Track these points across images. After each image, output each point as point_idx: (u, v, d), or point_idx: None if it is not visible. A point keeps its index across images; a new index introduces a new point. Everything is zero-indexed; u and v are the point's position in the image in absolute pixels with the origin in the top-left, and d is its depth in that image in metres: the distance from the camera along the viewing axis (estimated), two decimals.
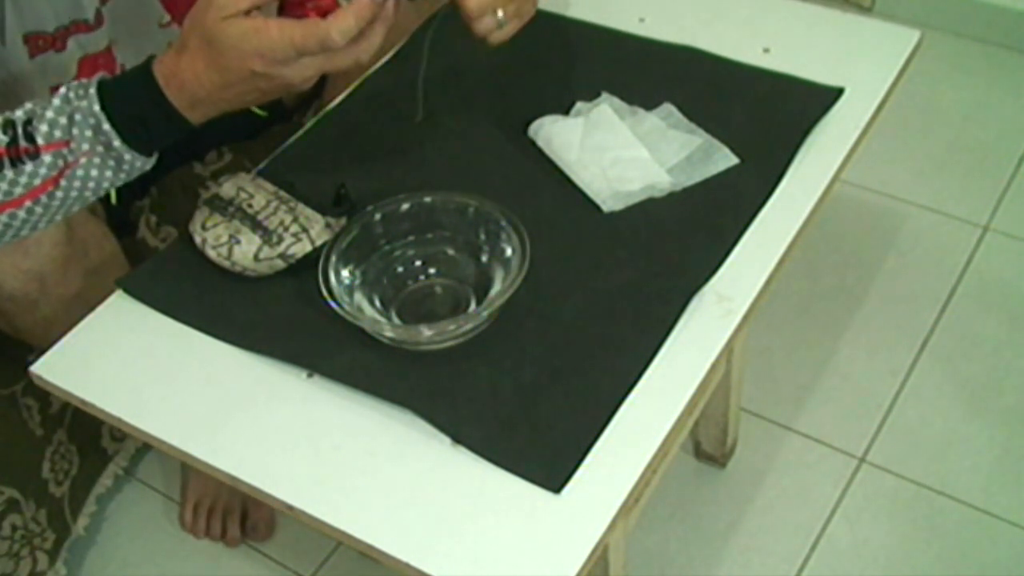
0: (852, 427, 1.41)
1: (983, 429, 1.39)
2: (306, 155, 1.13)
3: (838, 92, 1.13)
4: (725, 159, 1.07)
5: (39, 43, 1.03)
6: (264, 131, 1.37)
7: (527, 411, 0.88)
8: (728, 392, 1.26)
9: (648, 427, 0.87)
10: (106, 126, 0.87)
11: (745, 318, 0.95)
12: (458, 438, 0.87)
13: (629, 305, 0.95)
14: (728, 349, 0.94)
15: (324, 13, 0.85)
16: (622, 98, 1.13)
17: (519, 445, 0.86)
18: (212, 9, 0.84)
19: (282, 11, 0.86)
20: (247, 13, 0.84)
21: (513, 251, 0.94)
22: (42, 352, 0.97)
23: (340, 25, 0.84)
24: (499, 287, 0.94)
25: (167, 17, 1.15)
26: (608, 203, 1.03)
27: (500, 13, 0.95)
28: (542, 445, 0.86)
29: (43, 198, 0.88)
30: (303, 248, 0.97)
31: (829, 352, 1.50)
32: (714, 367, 0.92)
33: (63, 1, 1.02)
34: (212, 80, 0.86)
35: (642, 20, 1.26)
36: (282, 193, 1.01)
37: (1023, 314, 1.52)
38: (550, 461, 0.85)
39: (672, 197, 1.04)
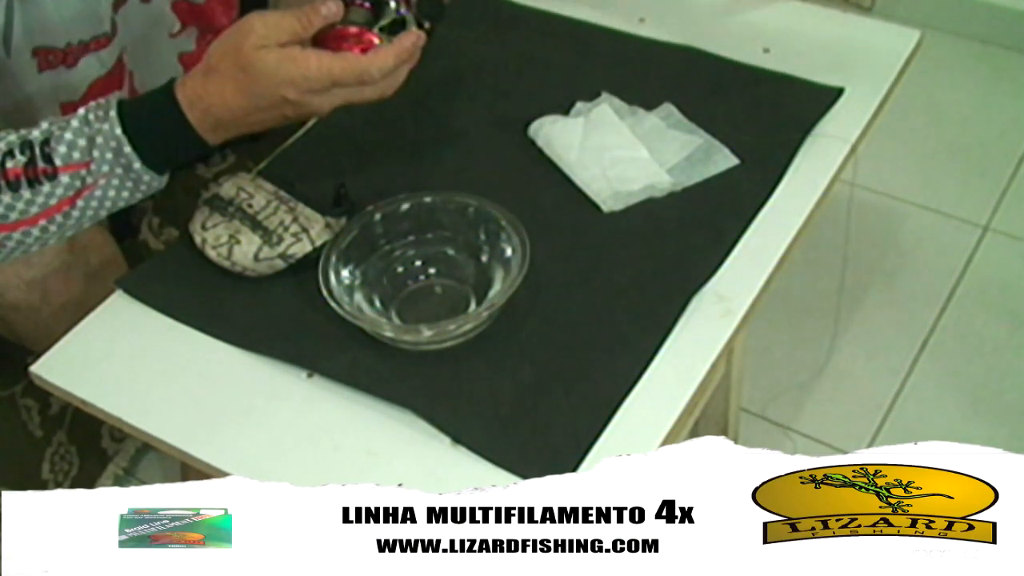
0: (852, 427, 1.41)
1: (983, 429, 1.39)
2: (306, 155, 1.13)
3: (838, 92, 1.13)
4: (725, 159, 1.07)
5: (49, 58, 1.02)
6: (268, 132, 1.36)
7: (527, 411, 0.88)
8: (728, 392, 1.26)
9: (648, 427, 0.87)
10: (127, 149, 0.87)
11: (745, 318, 0.95)
12: (458, 438, 0.87)
13: (629, 305, 0.95)
14: (728, 349, 0.94)
15: (365, 50, 0.89)
16: (622, 98, 1.13)
17: (519, 445, 0.86)
18: (251, 37, 0.86)
19: (315, 43, 0.89)
20: (282, 44, 0.87)
21: (513, 251, 0.94)
22: (41, 353, 0.97)
23: (379, 63, 0.88)
24: (499, 287, 0.94)
25: (177, 26, 1.14)
26: (608, 203, 1.03)
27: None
28: (542, 445, 0.86)
29: (58, 217, 0.88)
30: (303, 248, 0.97)
31: (829, 352, 1.50)
32: (714, 367, 0.92)
33: (80, 18, 1.01)
34: (240, 105, 0.87)
35: (642, 20, 1.26)
36: (282, 193, 1.01)
37: (1023, 314, 1.52)
38: (550, 461, 0.84)
39: (672, 197, 1.04)
